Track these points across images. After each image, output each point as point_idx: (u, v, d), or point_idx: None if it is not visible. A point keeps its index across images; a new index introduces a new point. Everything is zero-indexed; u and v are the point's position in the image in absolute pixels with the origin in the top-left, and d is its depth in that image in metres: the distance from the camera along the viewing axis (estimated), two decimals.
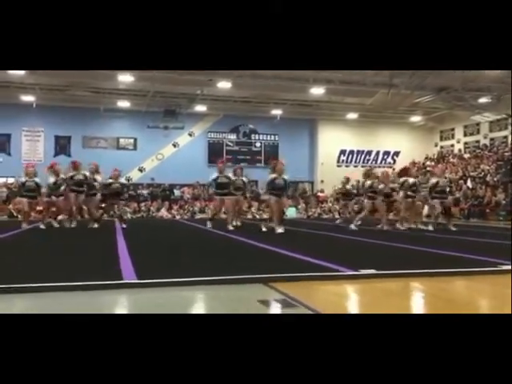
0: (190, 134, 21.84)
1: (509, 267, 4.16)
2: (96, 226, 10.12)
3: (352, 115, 21.91)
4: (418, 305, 3.21)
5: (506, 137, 20.15)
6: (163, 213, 17.64)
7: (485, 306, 3.19)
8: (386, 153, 23.84)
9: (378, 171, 12.59)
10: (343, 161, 23.30)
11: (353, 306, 3.13)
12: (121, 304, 3.07)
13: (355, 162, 23.16)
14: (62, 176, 10.48)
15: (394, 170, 23.43)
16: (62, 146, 20.50)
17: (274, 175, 8.90)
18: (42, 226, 10.01)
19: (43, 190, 10.30)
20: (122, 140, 21.29)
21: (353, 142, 23.19)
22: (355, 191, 12.60)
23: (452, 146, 23.01)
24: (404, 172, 11.00)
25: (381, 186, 10.07)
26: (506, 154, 18.81)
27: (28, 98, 18.93)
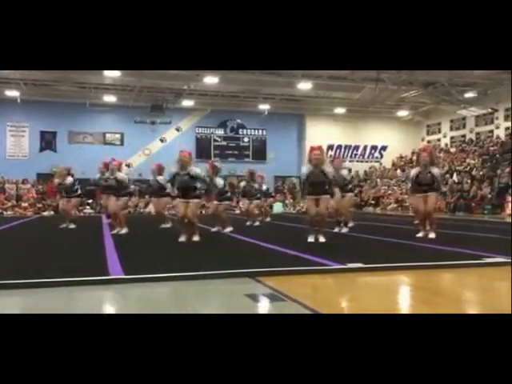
0: (178, 129, 21.72)
1: (492, 260, 4.21)
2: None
3: (340, 110, 21.96)
4: (405, 298, 3.23)
5: (491, 131, 20.36)
6: (151, 208, 17.55)
7: (473, 299, 3.22)
8: (374, 147, 23.96)
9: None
10: (331, 155, 23.36)
11: (340, 300, 3.14)
12: (107, 300, 3.05)
13: (343, 156, 23.25)
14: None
15: (381, 164, 23.66)
16: (47, 141, 20.27)
17: (307, 167, 6.29)
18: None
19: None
20: (108, 135, 21.10)
21: (340, 137, 23.25)
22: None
23: (438, 140, 23.18)
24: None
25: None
26: (492, 148, 19.01)
27: (12, 93, 18.65)
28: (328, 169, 6.56)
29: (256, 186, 9.98)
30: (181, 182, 6.26)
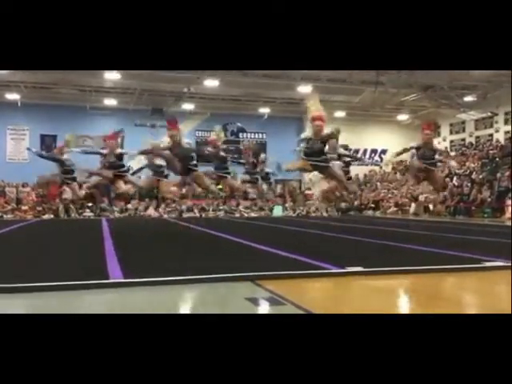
0: None
1: (493, 264, 4.21)
2: None
3: (339, 113, 21.97)
4: (404, 302, 3.23)
5: (491, 135, 20.37)
6: (151, 211, 17.55)
7: (473, 303, 3.22)
8: (374, 151, 23.97)
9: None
10: None
11: (340, 304, 3.13)
12: (106, 304, 3.04)
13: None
14: None
15: (381, 167, 23.66)
16: (47, 144, 20.25)
17: (306, 134, 6.21)
18: None
19: None
20: None
21: (340, 140, 23.22)
22: None
23: (438, 143, 23.17)
24: None
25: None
26: (491, 151, 19.02)
27: (13, 96, 18.67)
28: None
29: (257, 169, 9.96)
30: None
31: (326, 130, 6.15)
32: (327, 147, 6.46)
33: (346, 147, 7.51)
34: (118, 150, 7.99)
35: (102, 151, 8.62)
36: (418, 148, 6.97)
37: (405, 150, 8.00)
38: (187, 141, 6.85)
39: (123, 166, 8.08)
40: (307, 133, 6.30)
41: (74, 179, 9.49)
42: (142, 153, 8.24)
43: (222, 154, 8.38)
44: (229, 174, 8.79)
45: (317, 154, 6.17)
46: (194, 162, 7.73)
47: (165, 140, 7.21)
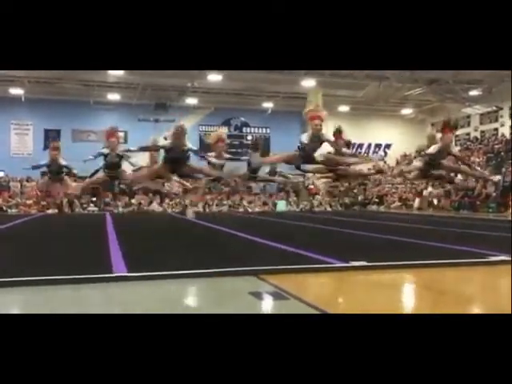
0: None
1: (497, 258, 4.19)
2: None
3: (344, 108, 21.91)
4: (409, 297, 3.22)
5: (496, 129, 20.27)
6: (155, 206, 17.59)
7: (478, 298, 3.20)
8: (378, 145, 23.91)
9: None
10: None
11: (344, 299, 3.13)
12: (110, 298, 3.04)
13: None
14: None
15: (385, 162, 23.59)
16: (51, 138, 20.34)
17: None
18: None
19: None
20: None
21: (344, 135, 23.21)
22: None
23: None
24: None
25: None
26: (496, 146, 18.92)
27: (17, 91, 18.71)
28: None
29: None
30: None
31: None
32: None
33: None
34: (120, 149, 7.89)
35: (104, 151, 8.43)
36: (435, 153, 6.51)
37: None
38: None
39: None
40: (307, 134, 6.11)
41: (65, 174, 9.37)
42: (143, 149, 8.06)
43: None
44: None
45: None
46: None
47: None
